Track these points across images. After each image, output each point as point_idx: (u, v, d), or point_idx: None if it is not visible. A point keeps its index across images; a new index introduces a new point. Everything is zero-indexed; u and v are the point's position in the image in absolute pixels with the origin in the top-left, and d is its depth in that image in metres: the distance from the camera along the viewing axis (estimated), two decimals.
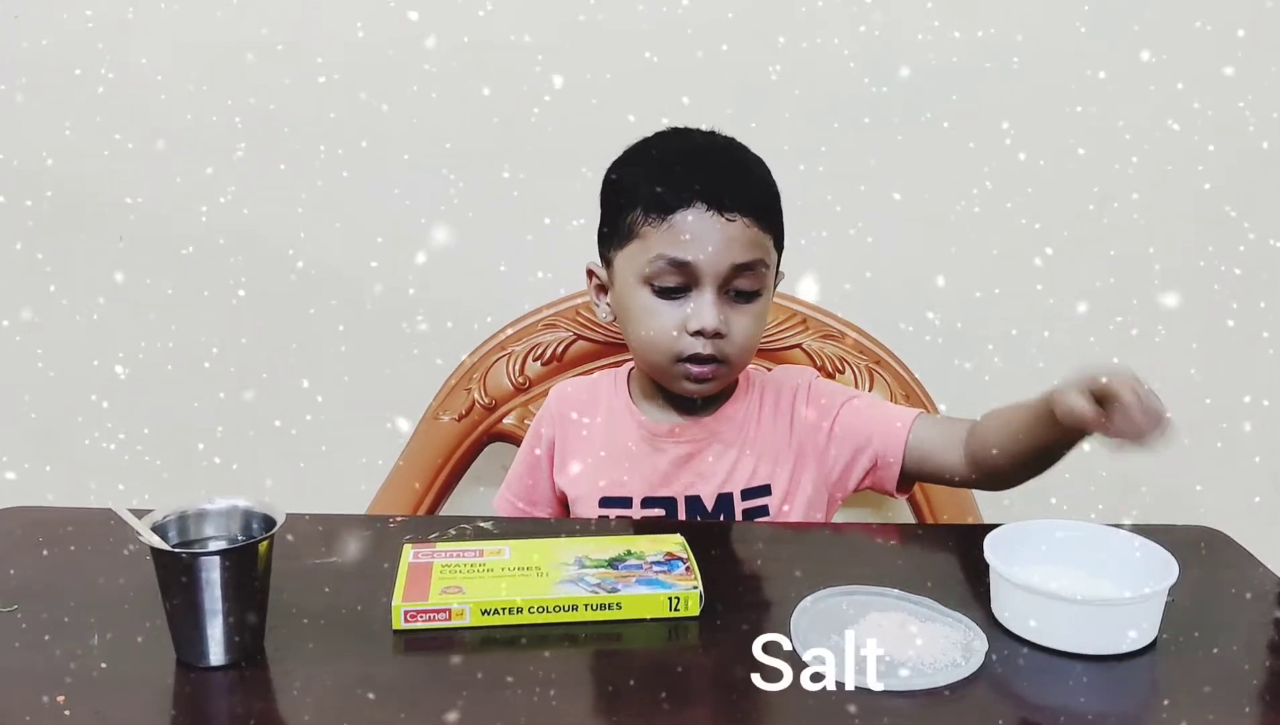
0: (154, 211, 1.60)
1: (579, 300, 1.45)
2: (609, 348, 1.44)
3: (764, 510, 1.16)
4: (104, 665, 0.80)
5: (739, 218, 1.07)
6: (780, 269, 1.18)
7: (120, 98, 1.56)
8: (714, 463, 1.17)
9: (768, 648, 0.82)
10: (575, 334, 1.44)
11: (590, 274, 1.19)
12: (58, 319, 1.64)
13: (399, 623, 0.86)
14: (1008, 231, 1.55)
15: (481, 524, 1.05)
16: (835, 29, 1.50)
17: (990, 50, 1.50)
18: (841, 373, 1.41)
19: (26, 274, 1.62)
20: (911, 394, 1.41)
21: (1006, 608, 0.86)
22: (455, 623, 0.86)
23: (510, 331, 1.48)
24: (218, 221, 1.59)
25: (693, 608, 0.88)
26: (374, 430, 1.58)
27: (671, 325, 1.09)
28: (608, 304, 1.18)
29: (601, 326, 1.42)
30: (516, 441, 1.38)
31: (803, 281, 1.49)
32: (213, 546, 0.84)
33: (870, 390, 1.40)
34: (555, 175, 1.50)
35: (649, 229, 1.08)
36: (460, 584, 0.89)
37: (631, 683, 0.80)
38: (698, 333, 1.08)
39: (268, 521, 0.84)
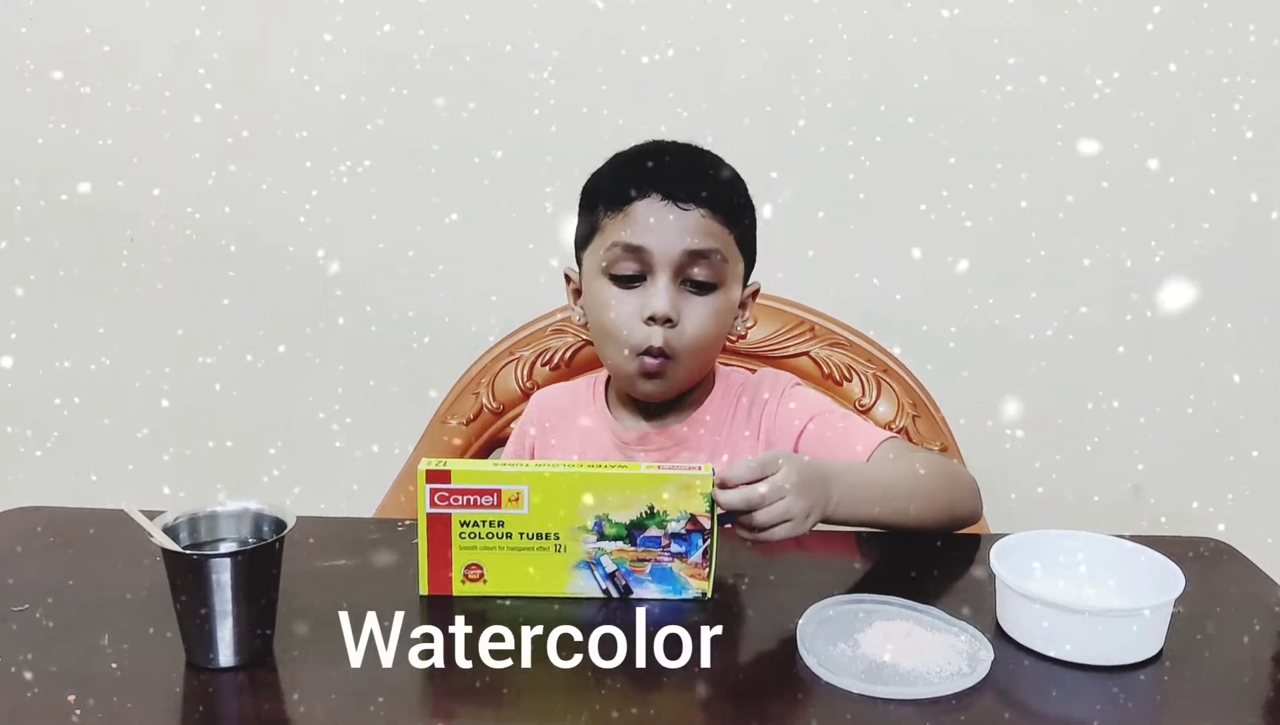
0: (164, 215, 1.61)
1: None
2: None
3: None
4: (114, 665, 0.81)
5: (694, 208, 1.08)
6: (754, 281, 1.18)
7: (130, 102, 1.57)
8: None
9: (774, 656, 0.83)
10: (583, 340, 1.45)
11: (567, 278, 1.21)
12: (69, 321, 1.65)
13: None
14: (1016, 241, 1.55)
15: None
16: (850, 39, 1.50)
17: (1000, 62, 1.50)
18: (849, 380, 1.41)
19: (35, 275, 1.63)
20: (919, 402, 1.41)
21: (1012, 618, 0.86)
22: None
23: (519, 336, 1.48)
24: (227, 226, 1.60)
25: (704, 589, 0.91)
26: (383, 434, 1.59)
27: (627, 314, 1.09)
28: (580, 306, 1.19)
29: None
30: None
31: (811, 289, 1.49)
32: (223, 548, 0.85)
33: (878, 398, 1.40)
34: (565, 180, 1.51)
35: (608, 221, 1.11)
36: (481, 563, 0.91)
37: (636, 690, 0.80)
38: (650, 319, 1.08)
39: (278, 524, 0.85)
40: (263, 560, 0.82)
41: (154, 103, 1.57)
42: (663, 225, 1.08)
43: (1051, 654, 0.83)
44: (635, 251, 1.09)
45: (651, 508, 0.91)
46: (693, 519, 0.91)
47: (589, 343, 1.45)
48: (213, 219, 1.60)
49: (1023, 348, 1.58)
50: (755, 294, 1.20)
